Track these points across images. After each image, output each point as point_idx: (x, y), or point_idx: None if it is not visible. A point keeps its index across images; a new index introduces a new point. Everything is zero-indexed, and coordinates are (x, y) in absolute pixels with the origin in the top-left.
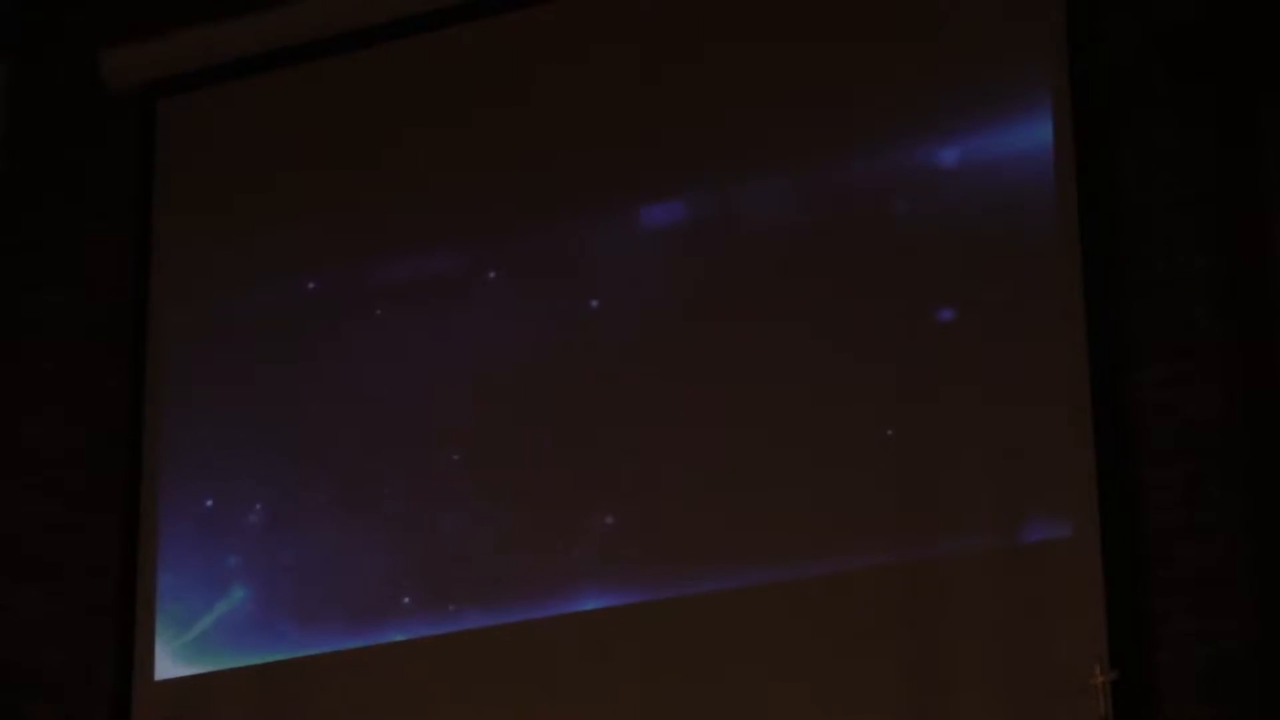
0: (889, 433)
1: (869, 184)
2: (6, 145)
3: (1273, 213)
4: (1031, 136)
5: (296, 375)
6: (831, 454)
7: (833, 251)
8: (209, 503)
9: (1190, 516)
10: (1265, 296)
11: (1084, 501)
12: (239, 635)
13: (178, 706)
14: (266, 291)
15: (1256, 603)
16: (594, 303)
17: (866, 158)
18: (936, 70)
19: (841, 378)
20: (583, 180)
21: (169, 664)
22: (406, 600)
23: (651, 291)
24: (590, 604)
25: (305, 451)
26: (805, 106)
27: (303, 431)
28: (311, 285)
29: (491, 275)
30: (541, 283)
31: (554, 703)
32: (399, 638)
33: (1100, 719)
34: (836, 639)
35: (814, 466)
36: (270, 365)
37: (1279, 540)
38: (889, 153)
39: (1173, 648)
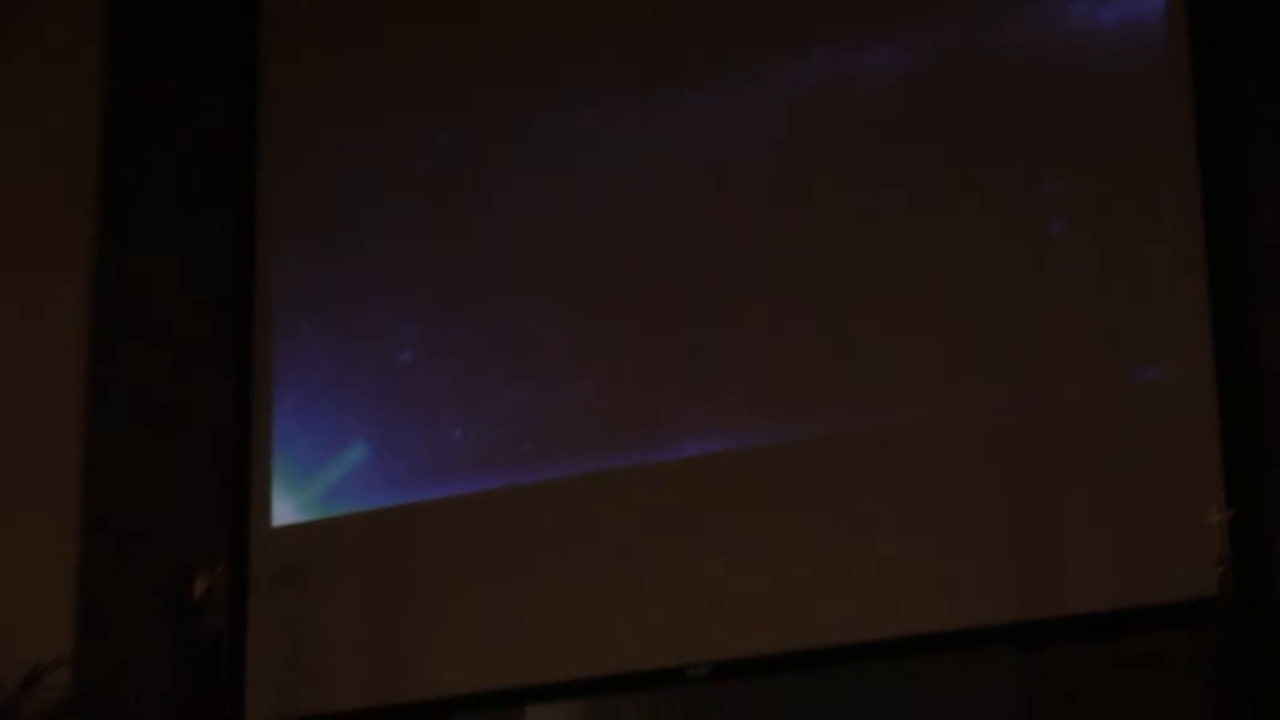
0: (998, 281)
1: (979, 44)
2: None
3: None
4: None
5: (421, 226)
6: (940, 307)
7: (941, 115)
8: (328, 353)
9: None
10: None
11: (1199, 341)
12: (356, 483)
13: (295, 554)
14: (390, 143)
15: None
16: (720, 159)
17: (981, 19)
18: None
19: (949, 231)
20: (709, 38)
21: (286, 512)
22: (525, 447)
23: (772, 152)
24: (707, 448)
25: (425, 302)
26: None
27: (422, 282)
28: (441, 138)
29: (622, 127)
30: (671, 138)
31: (665, 548)
32: (516, 484)
33: (1218, 557)
34: (951, 488)
35: (923, 319)
36: (392, 216)
37: None
38: (1000, 11)
39: None
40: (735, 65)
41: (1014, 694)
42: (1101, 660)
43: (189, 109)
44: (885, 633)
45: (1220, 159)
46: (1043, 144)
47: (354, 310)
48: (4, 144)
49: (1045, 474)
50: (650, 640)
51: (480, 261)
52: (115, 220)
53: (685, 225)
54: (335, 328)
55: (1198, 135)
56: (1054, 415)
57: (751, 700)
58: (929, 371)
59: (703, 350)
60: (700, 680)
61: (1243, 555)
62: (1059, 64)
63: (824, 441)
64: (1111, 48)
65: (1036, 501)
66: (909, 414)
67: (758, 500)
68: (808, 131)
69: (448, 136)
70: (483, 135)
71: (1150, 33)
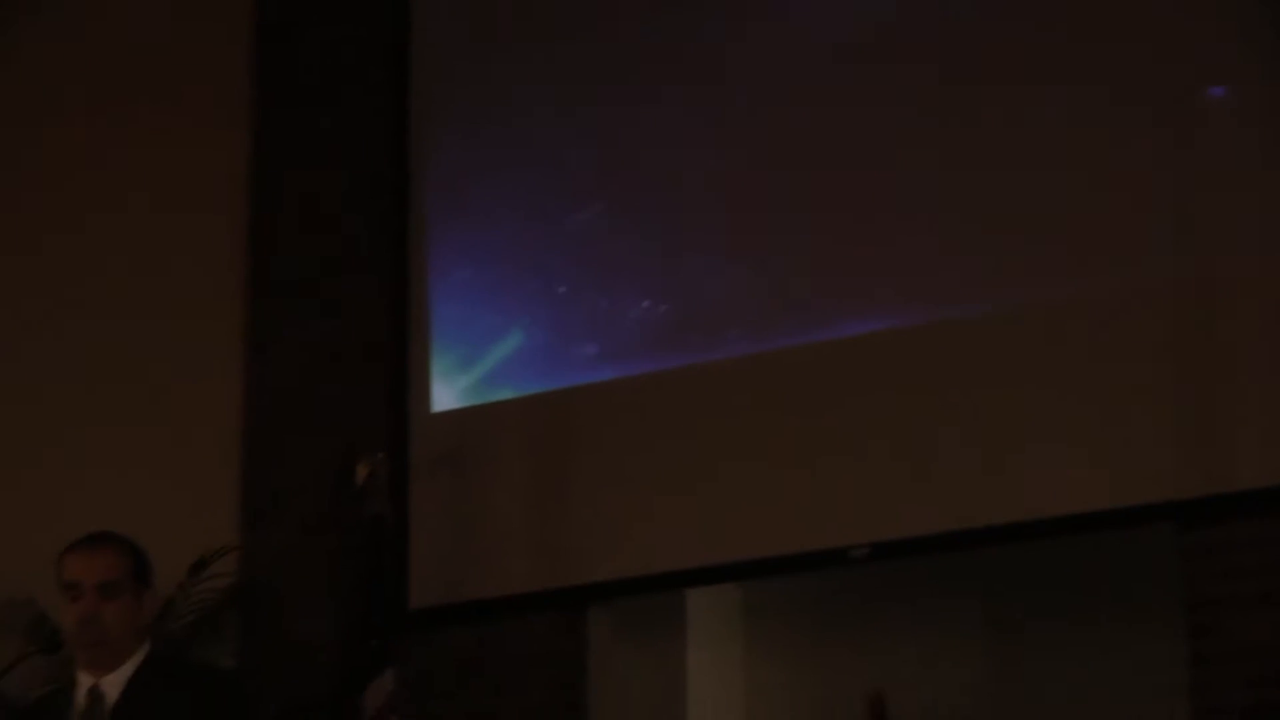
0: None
1: None
2: None
3: None
4: None
5: (581, 113)
6: (1109, 178)
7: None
8: (485, 240)
9: None
10: None
11: None
12: (515, 369)
13: (455, 439)
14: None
15: None
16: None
17: None
18: None
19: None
20: None
21: (446, 398)
22: (684, 330)
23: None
24: (869, 327)
25: (584, 190)
26: None
27: (581, 170)
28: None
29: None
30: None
31: (824, 429)
32: (676, 366)
33: None
34: (1118, 360)
35: (1091, 190)
36: (553, 101)
37: None
38: None
39: None
40: None
41: (1175, 571)
42: (1266, 537)
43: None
44: (1047, 511)
45: None
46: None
47: (511, 199)
48: (164, 53)
49: (1215, 347)
50: (810, 521)
51: (638, 148)
52: (271, 114)
53: (847, 107)
54: (493, 217)
55: None
56: (1225, 286)
57: (911, 580)
58: (1098, 243)
59: (867, 227)
60: (860, 561)
61: None
62: None
63: (987, 318)
64: None
65: (1205, 376)
66: (1076, 287)
67: (918, 380)
68: (974, 15)
69: (611, 20)
70: (647, 16)
71: None
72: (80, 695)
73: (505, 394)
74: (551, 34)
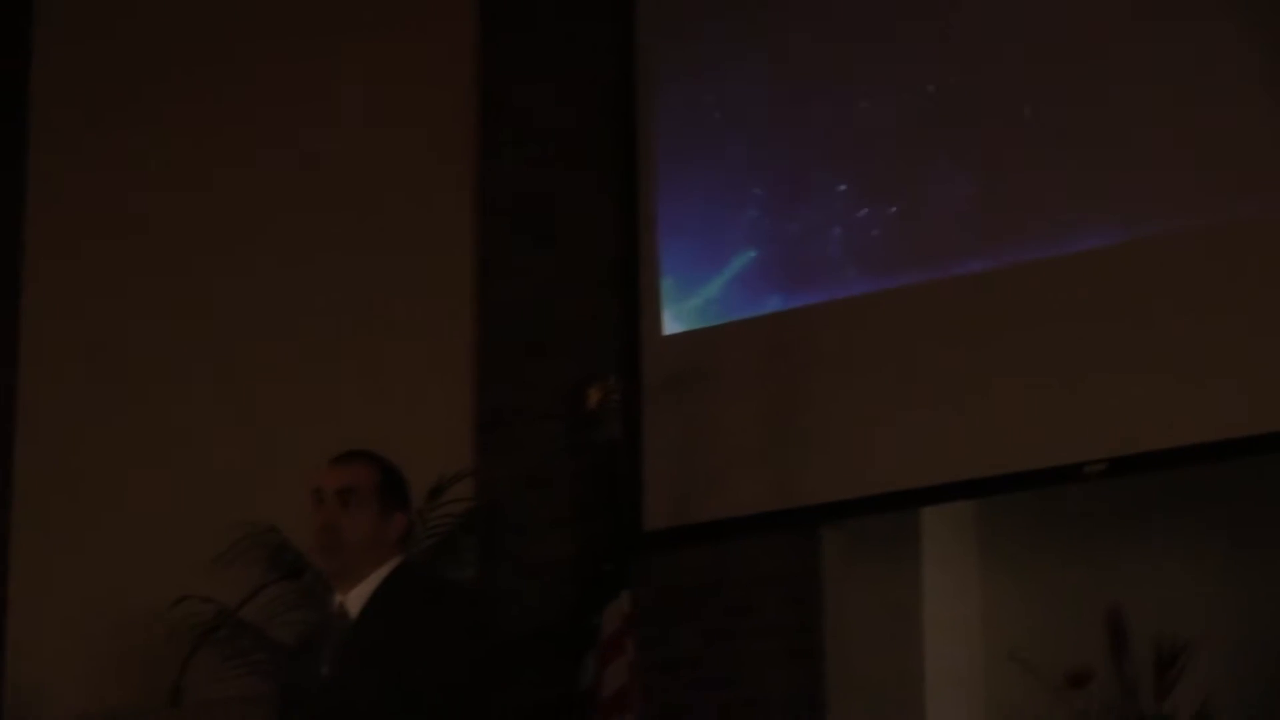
0: None
1: None
2: None
3: None
4: None
5: (803, 36)
6: None
7: None
8: (712, 161)
9: None
10: None
11: None
12: (744, 290)
13: (686, 361)
14: None
15: None
16: None
17: None
18: None
19: None
20: None
21: (676, 320)
22: (912, 247)
23: None
24: (1099, 242)
25: (811, 108)
26: None
27: (807, 90)
28: None
29: None
30: None
31: (1057, 344)
32: (904, 284)
33: None
34: None
35: None
36: (772, 25)
37: None
38: None
39: None
40: None
41: None
42: None
43: None
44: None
45: None
46: None
47: (739, 119)
48: None
49: None
50: (1044, 437)
51: (864, 62)
52: (497, 37)
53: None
54: (719, 135)
55: None
56: None
57: (1147, 495)
58: None
59: (1092, 144)
60: (1095, 477)
61: None
62: None
63: (1214, 230)
64: None
65: None
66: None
67: (1149, 295)
68: None
69: None
70: None
71: None
72: (331, 611)
73: (734, 315)
74: None
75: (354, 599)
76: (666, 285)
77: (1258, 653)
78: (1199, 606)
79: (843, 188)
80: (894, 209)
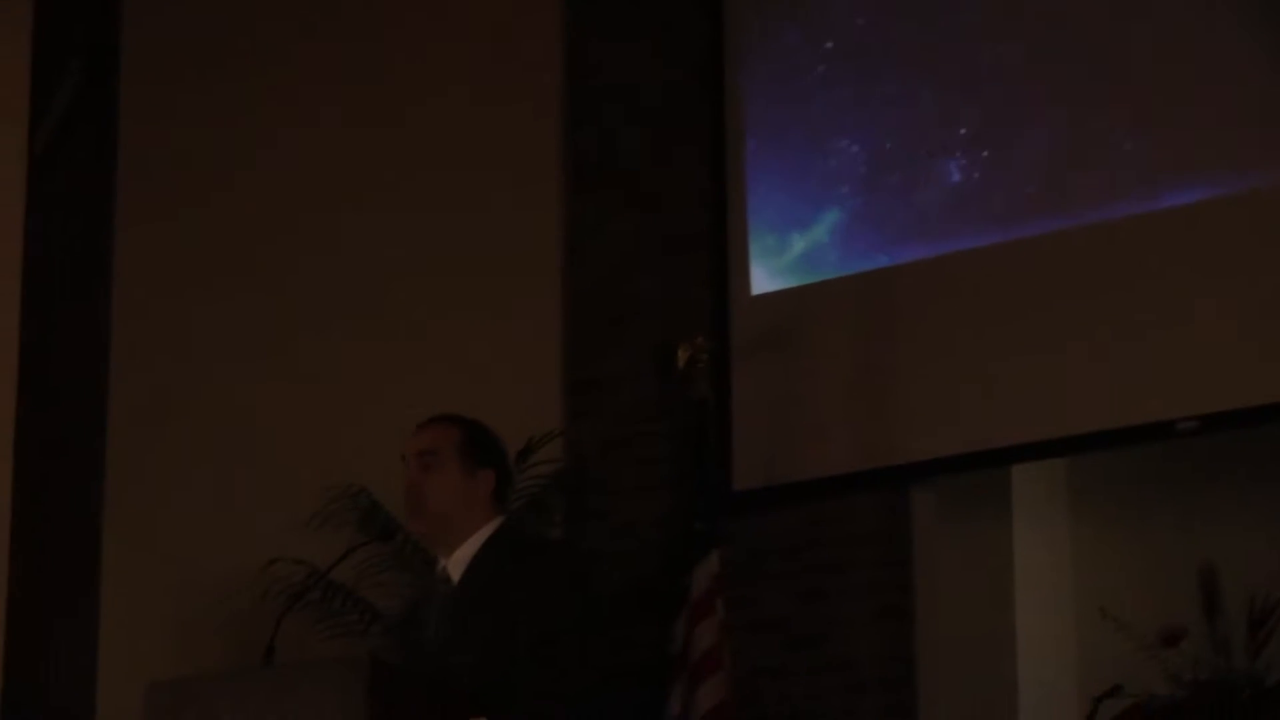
0: None
1: None
2: None
3: None
4: None
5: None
6: None
7: None
8: (796, 119)
9: None
10: None
11: None
12: (832, 249)
13: (775, 320)
14: None
15: None
16: None
17: None
18: None
19: None
20: None
21: (765, 280)
22: (1000, 205)
23: None
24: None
25: (898, 69)
26: None
27: (895, 46)
28: None
29: None
30: None
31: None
32: (993, 242)
33: None
34: None
35: None
36: None
37: None
38: None
39: None
40: None
41: None
42: None
43: None
44: None
45: None
46: None
47: (826, 78)
48: None
49: None
50: (1136, 394)
51: (956, 13)
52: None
53: None
54: (806, 96)
55: None
56: None
57: (1237, 454)
58: None
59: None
60: (1188, 434)
61: None
62: None
63: None
64: None
65: None
66: None
67: (1243, 251)
68: None
69: None
70: None
71: None
72: (435, 576)
73: (822, 274)
74: None
75: (455, 563)
76: (755, 244)
77: None
78: None
79: (930, 145)
80: (985, 166)
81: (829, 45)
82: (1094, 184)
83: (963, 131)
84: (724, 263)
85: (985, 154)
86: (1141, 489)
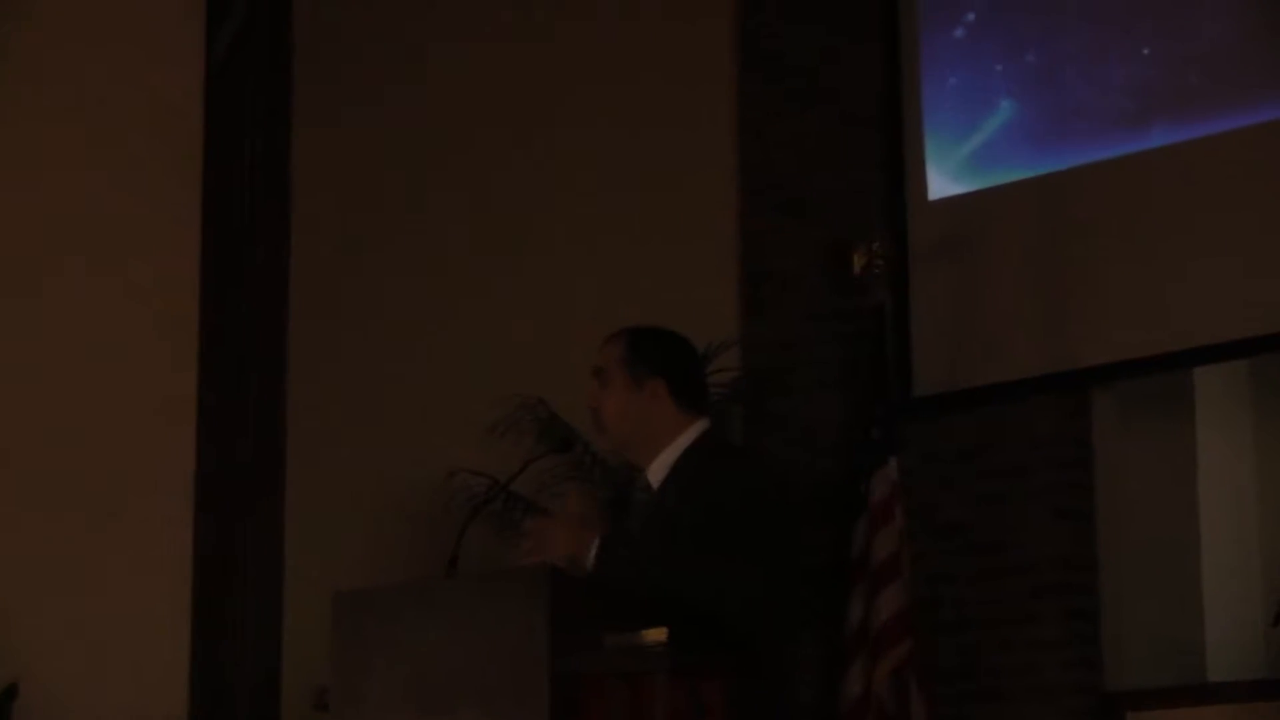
0: None
1: None
2: None
3: None
4: None
5: None
6: None
7: None
8: (971, 17)
9: None
10: None
11: None
12: (1009, 150)
13: (953, 225)
14: None
15: None
16: None
17: None
18: None
19: None
20: None
21: (941, 184)
22: (1178, 104)
23: None
24: None
25: None
26: None
27: None
28: None
29: None
30: None
31: None
32: (1169, 142)
33: None
34: None
35: None
36: None
37: None
38: None
39: None
40: None
41: None
42: None
43: None
44: None
45: None
46: None
47: None
48: None
49: None
50: None
51: None
52: None
53: None
54: None
55: None
56: None
57: None
58: None
59: None
60: None
61: None
62: None
63: None
64: None
65: None
66: None
67: None
68: None
69: None
70: None
71: None
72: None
73: (997, 173)
74: None
75: (654, 470)
76: (932, 145)
77: None
78: None
79: (1095, 45)
80: (1165, 61)
81: None
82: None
83: (1148, 23)
84: (901, 166)
85: (1168, 46)
86: None
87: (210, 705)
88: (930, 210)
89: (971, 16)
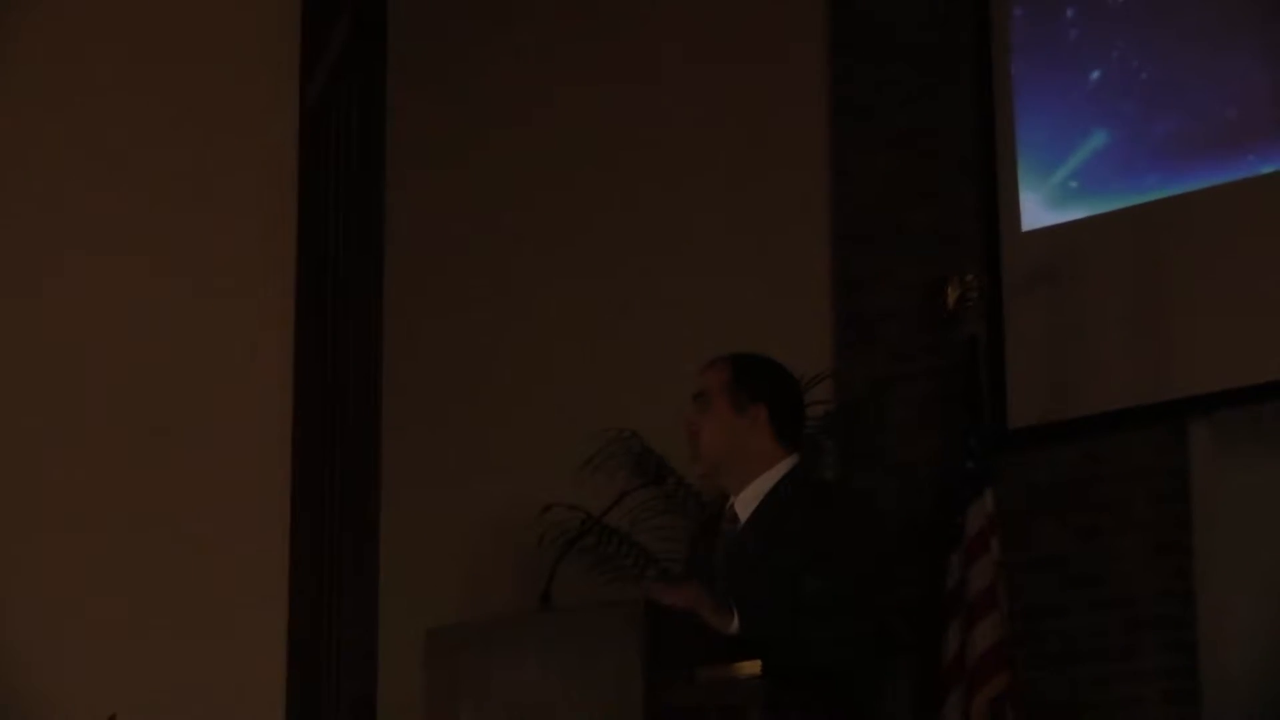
0: None
1: None
2: None
3: None
4: None
5: None
6: None
7: None
8: (1069, 35)
9: None
10: None
11: None
12: (1100, 180)
13: (1047, 255)
14: None
15: None
16: None
17: None
18: None
19: None
20: None
21: (1034, 214)
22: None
23: None
24: None
25: None
26: None
27: None
28: None
29: None
30: None
31: None
32: (1260, 172)
33: None
34: None
35: None
36: None
37: None
38: None
39: None
40: None
41: None
42: None
43: None
44: None
45: None
46: None
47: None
48: None
49: None
50: None
51: None
52: None
53: None
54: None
55: None
56: None
57: None
58: None
59: None
60: None
61: None
62: None
63: None
64: None
65: None
66: None
67: None
68: None
69: None
70: None
71: None
72: (724, 515)
73: (1092, 204)
74: None
75: (743, 502)
76: (1025, 176)
77: None
78: None
79: (1186, 71)
80: (1259, 89)
81: None
82: None
83: (1248, 46)
84: (994, 198)
85: (1268, 70)
86: None
87: None
88: (1024, 241)
89: (1069, 35)
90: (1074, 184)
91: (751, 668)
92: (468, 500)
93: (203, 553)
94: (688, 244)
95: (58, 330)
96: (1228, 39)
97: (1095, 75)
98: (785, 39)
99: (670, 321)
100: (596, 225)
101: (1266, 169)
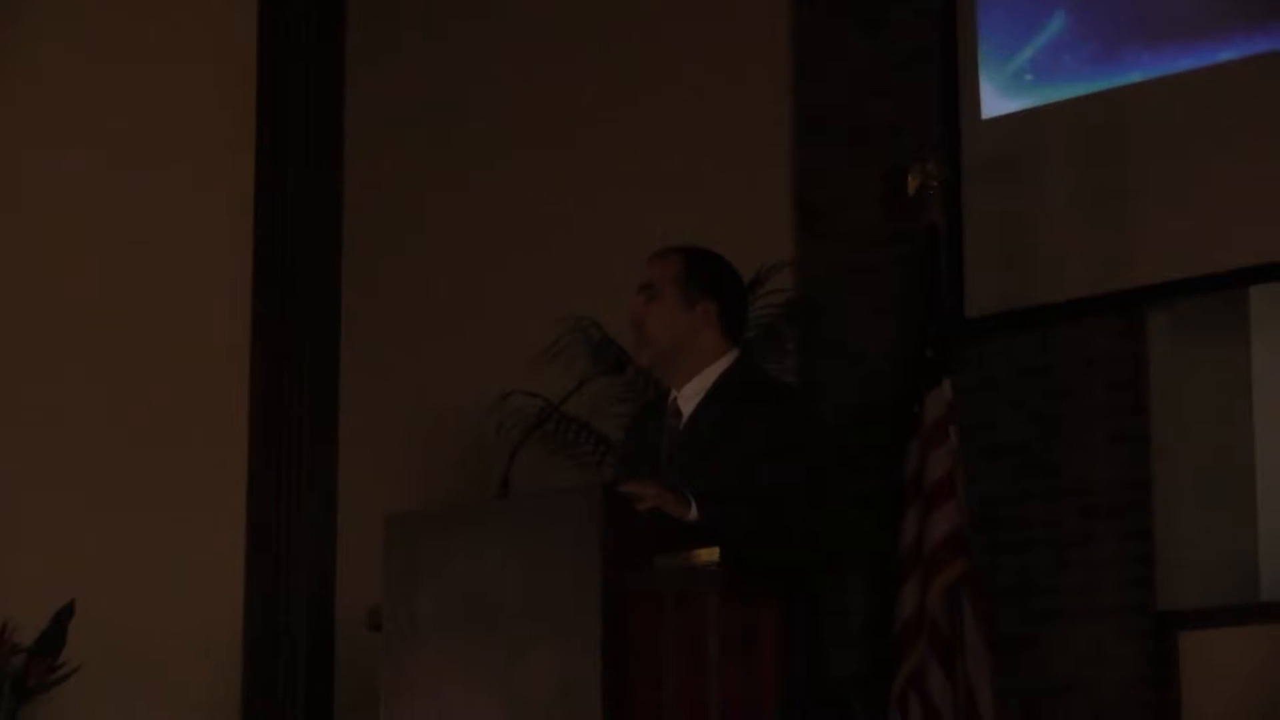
0: None
1: None
2: None
3: None
4: None
5: None
6: None
7: None
8: None
9: None
10: None
11: None
12: (1060, 66)
13: (1006, 144)
14: None
15: None
16: None
17: None
18: None
19: None
20: None
21: (995, 102)
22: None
23: None
24: None
25: None
26: None
27: None
28: None
29: None
30: None
31: None
32: (1219, 59)
33: None
34: None
35: None
36: None
37: None
38: None
39: None
40: None
41: None
42: None
43: None
44: None
45: None
46: None
47: None
48: None
49: None
50: None
51: None
52: None
53: None
54: None
55: None
56: None
57: None
58: None
59: None
60: None
61: None
62: None
63: None
64: None
65: None
66: None
67: None
68: None
69: None
70: None
71: None
72: (668, 406)
73: (1051, 91)
74: None
75: (686, 396)
76: (985, 62)
77: None
78: None
79: None
80: None
81: None
82: None
83: None
84: (954, 85)
85: None
86: None
87: (264, 625)
88: (983, 129)
89: None
90: (1031, 74)
91: (709, 554)
92: (426, 388)
93: (162, 441)
94: (648, 134)
95: (17, 221)
96: None
97: None
98: None
99: (630, 210)
100: (556, 113)
101: (1226, 55)
